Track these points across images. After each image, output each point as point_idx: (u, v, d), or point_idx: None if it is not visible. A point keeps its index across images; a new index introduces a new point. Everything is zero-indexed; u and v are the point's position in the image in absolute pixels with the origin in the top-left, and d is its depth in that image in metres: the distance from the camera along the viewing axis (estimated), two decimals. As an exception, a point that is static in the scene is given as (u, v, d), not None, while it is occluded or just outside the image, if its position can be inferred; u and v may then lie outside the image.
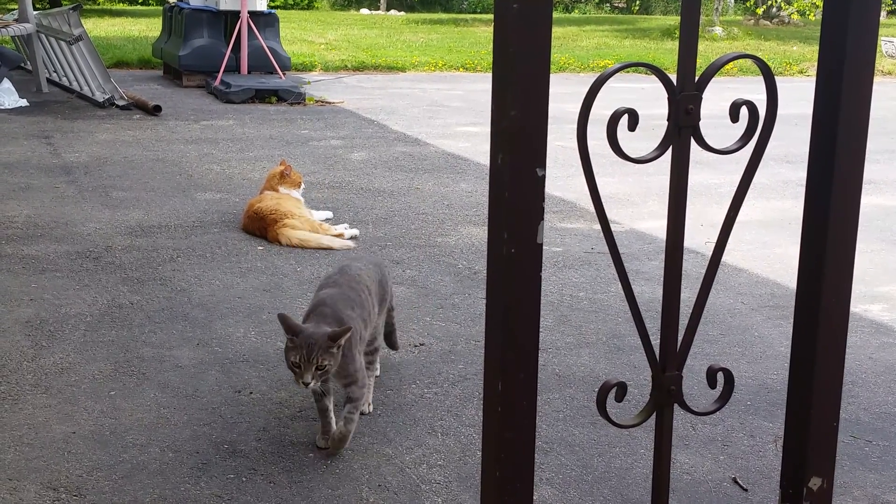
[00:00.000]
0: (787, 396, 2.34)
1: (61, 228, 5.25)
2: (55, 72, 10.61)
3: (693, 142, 2.03)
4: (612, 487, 2.80)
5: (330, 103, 10.39)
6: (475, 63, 14.82)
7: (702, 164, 6.92)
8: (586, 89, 1.91)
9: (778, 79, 2.07)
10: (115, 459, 2.83)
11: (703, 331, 3.88)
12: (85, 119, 8.77)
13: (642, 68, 2.07)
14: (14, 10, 11.95)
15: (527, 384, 1.92)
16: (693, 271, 4.48)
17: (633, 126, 1.94)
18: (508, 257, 1.85)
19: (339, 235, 5.19)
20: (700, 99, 2.00)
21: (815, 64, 2.18)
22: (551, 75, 1.82)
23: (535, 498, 2.02)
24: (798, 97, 7.52)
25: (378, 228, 5.47)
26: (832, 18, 2.12)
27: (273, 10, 11.65)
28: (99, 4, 25.69)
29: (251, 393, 3.33)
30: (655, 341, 2.11)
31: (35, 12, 10.21)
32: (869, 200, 6.31)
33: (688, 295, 2.12)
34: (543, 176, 1.84)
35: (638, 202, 6.36)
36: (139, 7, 25.47)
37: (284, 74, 11.11)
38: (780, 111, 2.08)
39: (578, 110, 1.91)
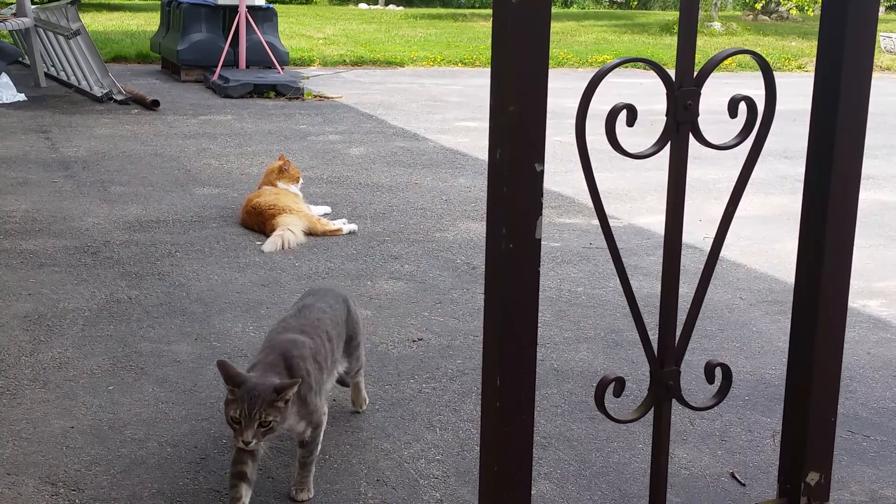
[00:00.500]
0: (785, 391, 2.34)
1: (59, 223, 5.25)
2: (53, 66, 10.60)
3: (691, 137, 2.03)
4: (610, 482, 2.80)
5: (328, 98, 10.38)
6: (474, 58, 14.81)
7: (700, 160, 6.92)
8: (585, 85, 1.91)
9: (776, 74, 2.07)
10: (114, 454, 2.83)
11: (701, 326, 3.89)
12: (83, 114, 8.76)
13: (641, 64, 2.07)
14: (12, 4, 11.94)
15: (525, 379, 1.92)
16: (691, 266, 4.48)
17: (631, 121, 1.94)
18: (507, 252, 1.85)
19: (338, 231, 5.19)
20: (699, 94, 2.00)
21: (814, 59, 2.18)
22: (550, 70, 1.82)
23: (533, 492, 2.02)
24: (797, 92, 7.52)
25: (376, 223, 5.47)
26: (831, 14, 2.12)
27: (271, 5, 11.63)
28: (97, -1, 25.64)
29: (249, 388, 3.32)
30: (654, 336, 2.11)
31: (33, 6, 10.20)
32: (867, 196, 6.31)
33: (686, 290, 2.12)
34: (542, 171, 1.84)
35: (636, 197, 6.36)
36: (137, 1, 25.43)
37: (283, 69, 11.10)
38: (778, 107, 2.08)
39: (577, 105, 1.91)
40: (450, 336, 3.85)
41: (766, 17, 24.59)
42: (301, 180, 5.59)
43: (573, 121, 1.92)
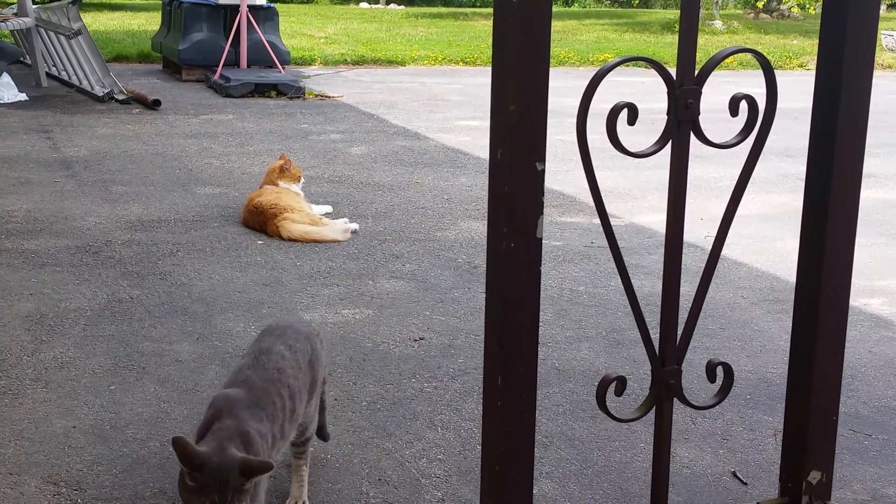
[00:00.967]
0: (786, 390, 2.34)
1: (61, 223, 5.25)
2: (54, 66, 10.60)
3: (693, 136, 2.03)
4: (611, 481, 2.80)
5: (329, 97, 10.38)
6: (475, 57, 14.81)
7: (701, 158, 6.92)
8: (586, 83, 1.91)
9: (777, 73, 2.07)
10: (116, 454, 2.83)
11: (703, 325, 3.89)
12: (84, 113, 8.77)
13: (642, 62, 2.07)
14: (13, 4, 11.94)
15: (526, 378, 1.93)
16: (692, 265, 4.48)
17: (632, 120, 1.94)
18: (508, 251, 1.85)
19: (334, 240, 5.19)
20: (700, 93, 2.00)
21: (815, 58, 2.18)
22: (550, 69, 1.82)
23: (534, 492, 2.02)
24: (798, 91, 7.51)
25: (378, 223, 5.47)
26: (832, 12, 2.12)
27: (272, 4, 11.63)
28: (98, -2, 25.64)
29: (251, 387, 3.33)
30: (655, 335, 2.11)
31: (34, 6, 10.20)
32: (869, 194, 6.30)
33: (687, 289, 2.12)
34: (543, 170, 1.84)
35: (637, 196, 6.36)
36: (138, 1, 25.43)
37: (284, 68, 11.10)
38: (779, 105, 2.08)
39: (578, 104, 1.91)
40: (451, 335, 3.85)
41: (768, 16, 24.58)
42: (302, 179, 5.58)
43: (574, 119, 1.92)
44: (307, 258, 4.79)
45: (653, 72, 2.00)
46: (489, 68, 1.85)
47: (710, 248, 2.12)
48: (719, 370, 2.17)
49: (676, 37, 2.01)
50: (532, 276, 1.88)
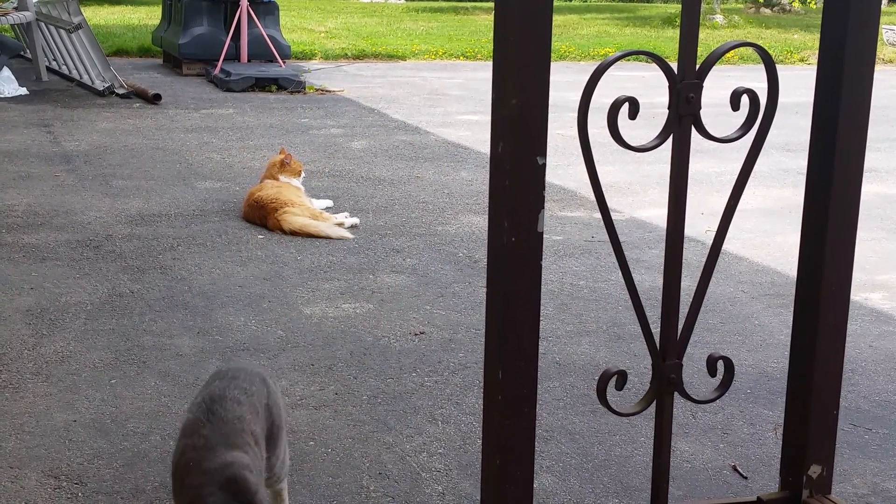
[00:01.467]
0: (787, 385, 2.34)
1: (61, 217, 5.25)
2: (55, 60, 10.59)
3: (694, 130, 2.03)
4: (612, 475, 2.80)
5: (330, 92, 10.37)
6: (476, 51, 14.79)
7: (702, 153, 6.92)
8: (587, 78, 1.91)
9: (779, 67, 2.07)
10: (116, 447, 2.84)
11: (703, 319, 3.89)
12: (85, 107, 8.76)
13: (643, 57, 2.07)
14: (13, -2, 11.93)
15: (527, 372, 1.93)
16: (693, 260, 4.48)
17: (633, 114, 1.94)
18: (509, 246, 1.85)
19: (340, 224, 5.19)
20: (701, 87, 1.99)
21: (816, 52, 2.18)
22: (551, 64, 1.82)
23: (535, 486, 2.03)
24: (799, 85, 7.51)
25: (378, 217, 5.47)
26: (833, 6, 2.12)
27: (273, -1, 11.62)
28: (98, -8, 25.60)
29: (252, 381, 3.33)
30: (656, 330, 2.11)
31: (34, 1, 10.18)
32: (870, 189, 6.30)
33: (688, 283, 2.12)
34: (544, 164, 1.84)
35: (638, 191, 6.35)
36: (139, -5, 25.37)
37: (284, 63, 11.09)
38: (780, 99, 2.08)
39: (579, 99, 1.91)
40: (452, 329, 3.85)
41: (769, 10, 24.55)
42: (303, 174, 5.58)
43: (575, 114, 1.92)
44: (308, 252, 4.79)
45: (654, 66, 2.00)
46: (490, 63, 1.85)
47: (710, 242, 2.11)
48: (720, 364, 2.17)
49: (677, 31, 2.00)
50: (533, 270, 1.88)
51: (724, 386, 2.19)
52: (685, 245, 2.12)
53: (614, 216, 2.10)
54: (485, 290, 1.96)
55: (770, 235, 5.37)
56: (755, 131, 2.07)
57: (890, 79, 13.30)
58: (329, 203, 5.62)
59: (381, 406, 3.18)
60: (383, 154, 7.24)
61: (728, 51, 1.99)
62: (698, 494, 2.72)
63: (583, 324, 3.97)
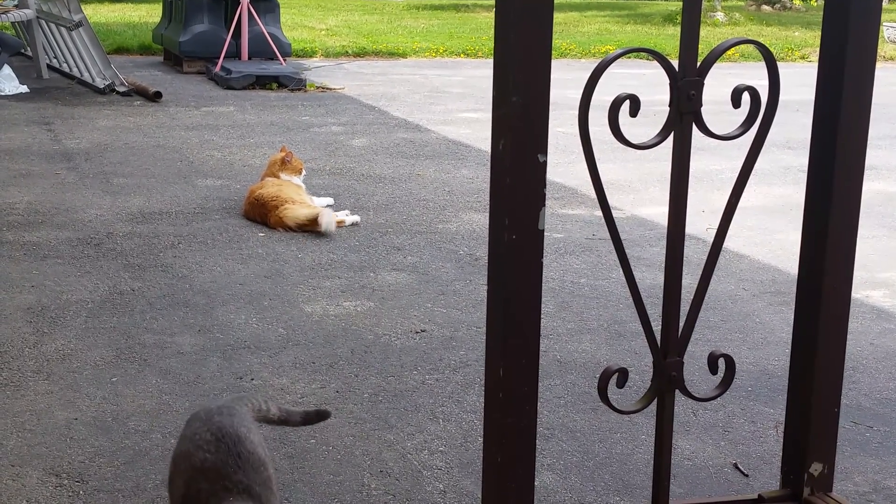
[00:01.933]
0: (788, 382, 2.34)
1: (62, 215, 5.25)
2: (55, 58, 10.59)
3: (695, 127, 2.02)
4: (613, 473, 2.80)
5: (331, 89, 10.37)
6: (476, 49, 14.78)
7: (703, 150, 6.91)
8: (588, 75, 1.91)
9: (780, 64, 2.07)
10: (118, 445, 2.84)
11: (704, 317, 3.88)
12: (85, 105, 8.76)
13: (644, 54, 2.06)
14: (14, -4, 11.92)
15: (528, 370, 1.93)
16: (694, 257, 4.47)
17: (634, 112, 1.94)
18: (510, 243, 1.85)
19: (341, 223, 5.19)
20: (702, 85, 1.99)
21: (817, 49, 2.17)
22: (552, 61, 1.82)
23: (536, 483, 2.03)
24: (800, 83, 7.51)
25: (379, 215, 5.47)
26: (834, 3, 2.12)
27: (273, -4, 11.61)
28: (99, -10, 25.58)
29: (252, 379, 3.33)
30: (657, 327, 2.11)
31: (35, -2, 10.19)
32: (871, 186, 6.29)
33: (689, 281, 2.12)
34: (545, 162, 1.84)
35: (639, 188, 6.35)
36: (139, -7, 25.36)
37: (285, 60, 11.08)
38: (781, 97, 2.08)
39: (580, 96, 1.91)
40: (453, 327, 3.85)
41: (770, 7, 24.53)
42: (304, 172, 5.58)
43: (576, 111, 1.92)
44: (309, 250, 4.79)
45: (655, 63, 2.00)
46: (491, 60, 1.85)
47: (711, 240, 2.11)
48: (721, 362, 2.17)
49: (678, 28, 2.00)
50: (534, 268, 1.88)
51: (725, 384, 2.18)
52: (686, 243, 2.11)
53: (615, 214, 2.09)
54: (486, 287, 1.96)
55: (771, 233, 5.37)
56: (756, 129, 2.07)
57: (891, 76, 13.29)
58: (330, 201, 5.61)
59: (382, 404, 3.18)
60: (384, 152, 7.24)
61: (729, 48, 1.99)
62: (699, 492, 2.71)
63: (584, 321, 3.97)
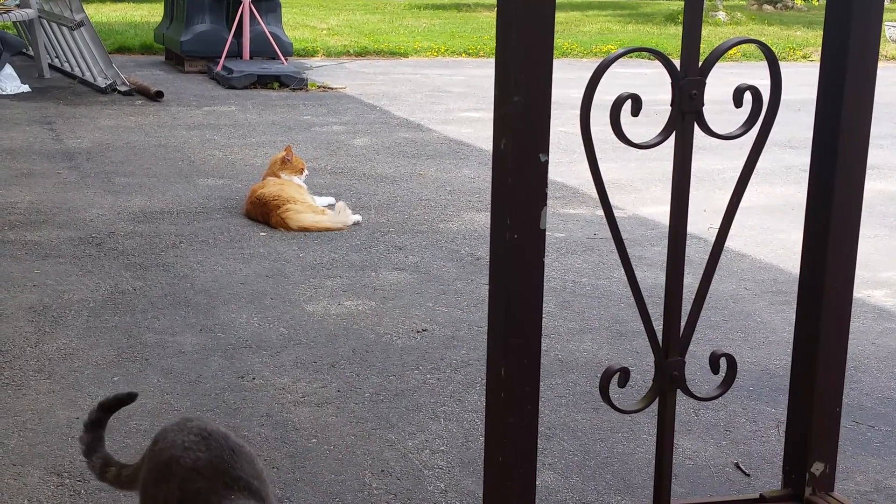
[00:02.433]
0: (789, 382, 2.34)
1: (64, 214, 5.25)
2: (57, 57, 10.59)
3: (696, 127, 2.02)
4: (614, 472, 2.80)
5: (332, 89, 10.37)
6: (478, 48, 14.78)
7: (705, 150, 6.91)
8: (589, 75, 1.90)
9: (781, 64, 2.07)
10: (119, 445, 2.84)
11: (706, 316, 3.88)
12: (87, 105, 8.76)
13: (646, 54, 2.06)
14: (16, -5, 11.92)
15: (530, 369, 1.93)
16: (696, 257, 4.47)
17: (636, 111, 1.94)
18: (511, 243, 1.85)
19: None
20: (704, 84, 1.99)
21: (819, 49, 2.17)
22: (554, 61, 1.82)
23: (537, 483, 2.03)
24: (801, 82, 7.50)
25: (380, 214, 5.47)
26: (836, 3, 2.11)
27: (275, -5, 11.60)
28: (100, -10, 25.58)
29: (254, 378, 3.33)
30: (658, 327, 2.11)
31: (36, -2, 10.19)
32: (872, 186, 6.29)
33: (690, 281, 2.12)
34: (546, 161, 1.84)
35: (641, 188, 6.35)
36: (141, -8, 25.36)
37: (286, 60, 11.08)
38: (783, 96, 2.08)
39: (581, 96, 1.91)
40: (454, 327, 3.85)
41: (771, 7, 24.52)
42: (306, 171, 5.58)
43: (578, 111, 1.92)
44: (310, 249, 4.79)
45: (657, 63, 2.00)
46: (492, 60, 1.85)
47: (713, 239, 2.11)
48: (722, 362, 2.17)
49: (680, 28, 2.00)
50: (535, 267, 1.88)
51: (727, 383, 2.18)
52: (687, 242, 2.11)
53: (617, 213, 2.09)
54: (487, 287, 1.96)
55: (773, 232, 5.36)
56: (758, 128, 2.07)
57: (893, 76, 13.28)
58: (331, 200, 5.61)
59: (383, 403, 3.18)
60: (385, 151, 7.24)
61: (731, 48, 1.99)
62: (701, 492, 2.71)
63: (585, 321, 3.97)
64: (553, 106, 1.84)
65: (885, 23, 16.78)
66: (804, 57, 15.53)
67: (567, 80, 7.91)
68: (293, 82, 10.16)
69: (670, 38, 16.39)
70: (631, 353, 3.63)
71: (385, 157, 7.04)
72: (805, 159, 2.46)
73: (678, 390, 2.14)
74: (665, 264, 2.11)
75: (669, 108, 1.99)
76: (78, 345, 3.55)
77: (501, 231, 1.85)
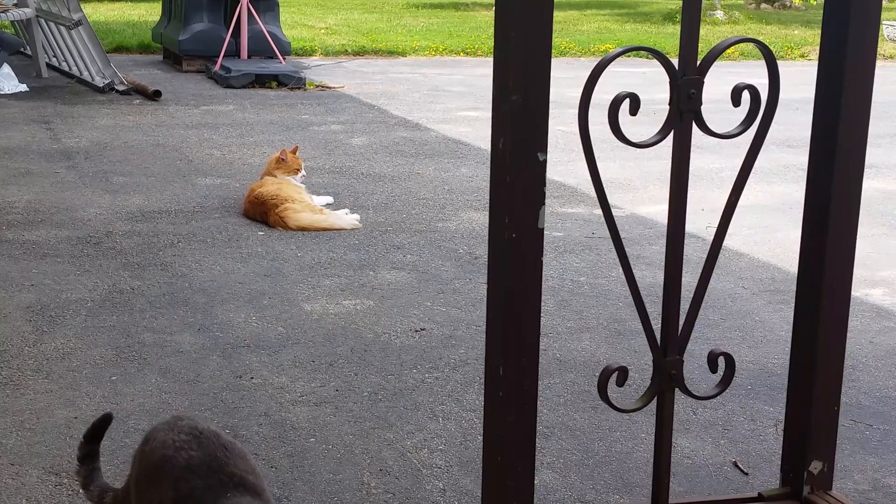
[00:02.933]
0: (788, 381, 2.34)
1: (62, 214, 5.25)
2: (55, 57, 10.58)
3: (695, 126, 2.02)
4: (612, 471, 2.80)
5: (330, 88, 10.36)
6: (476, 47, 14.77)
7: (703, 149, 6.90)
8: (587, 74, 1.90)
9: (779, 63, 2.07)
10: (117, 444, 2.83)
11: (704, 315, 3.88)
12: (85, 104, 8.76)
13: (644, 53, 2.06)
14: (13, -6, 11.90)
15: (528, 369, 1.92)
16: (694, 256, 4.47)
17: (634, 111, 1.94)
18: (510, 242, 1.85)
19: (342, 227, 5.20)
20: (702, 83, 1.99)
21: (817, 48, 2.17)
22: (552, 60, 1.81)
23: (535, 482, 2.02)
24: (800, 81, 7.49)
25: (379, 213, 5.47)
26: (834, 2, 2.11)
27: (273, -5, 11.58)
28: (98, -11, 25.56)
29: (252, 378, 3.33)
30: (656, 326, 2.11)
31: (34, -3, 10.17)
32: (870, 185, 6.27)
33: (689, 279, 2.12)
34: (544, 160, 1.84)
35: (639, 187, 6.35)
36: (139, -9, 25.34)
37: (284, 59, 11.07)
38: (781, 95, 2.08)
39: (580, 95, 1.91)
40: (452, 326, 3.85)
41: (769, 6, 24.52)
42: (303, 172, 5.56)
43: (576, 110, 1.92)
44: (308, 249, 4.79)
45: (655, 62, 2.00)
46: (490, 59, 1.85)
47: (711, 238, 2.11)
48: (721, 360, 2.17)
49: (678, 27, 2.00)
50: (533, 266, 1.88)
51: (725, 382, 2.18)
52: (686, 241, 2.11)
53: (615, 212, 2.09)
54: (485, 286, 1.96)
55: (771, 231, 5.37)
56: (756, 127, 2.07)
57: (891, 75, 13.29)
58: (329, 199, 5.61)
59: (381, 403, 3.18)
60: (383, 150, 7.23)
61: (729, 47, 1.99)
62: (699, 491, 2.72)
63: (583, 320, 3.97)
64: (551, 105, 1.84)
65: (883, 22, 16.79)
66: (802, 56, 15.53)
67: (565, 80, 7.90)
68: (291, 81, 10.15)
69: (668, 38, 16.39)
70: (629, 352, 3.63)
71: (383, 156, 7.04)
72: (803, 158, 2.46)
73: (676, 389, 2.14)
74: (663, 263, 2.11)
75: (667, 107, 1.99)
76: (76, 344, 3.55)
77: (500, 230, 1.85)
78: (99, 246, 4.71)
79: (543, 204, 1.84)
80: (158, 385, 3.24)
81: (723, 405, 3.21)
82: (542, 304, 1.93)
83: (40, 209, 5.31)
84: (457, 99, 10.01)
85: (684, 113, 1.99)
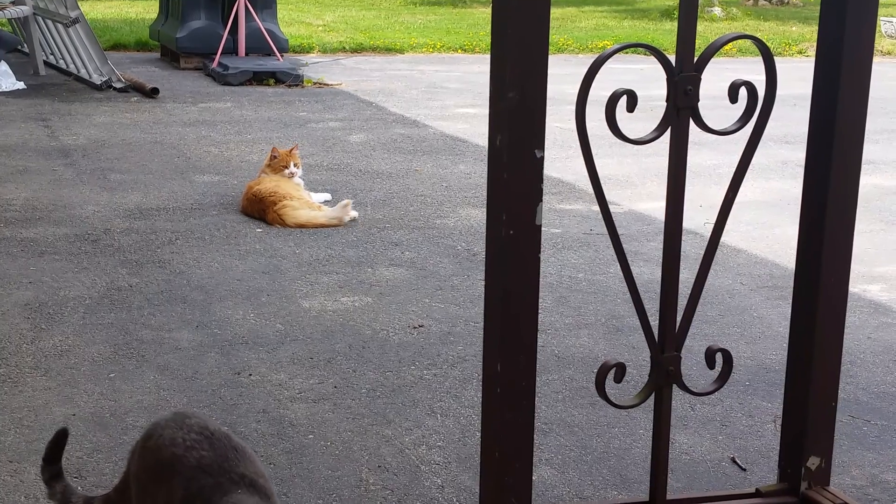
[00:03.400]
0: (785, 376, 2.35)
1: (59, 211, 5.24)
2: (52, 54, 10.57)
3: (692, 122, 2.03)
4: (610, 468, 2.81)
5: (328, 85, 10.36)
6: (474, 44, 14.77)
7: (700, 145, 6.91)
8: (585, 70, 1.91)
9: (777, 59, 2.07)
10: (116, 441, 2.84)
11: (702, 311, 3.88)
12: (82, 102, 8.75)
13: (641, 49, 2.07)
14: (10, -8, 11.88)
15: (526, 365, 1.93)
16: (692, 252, 4.47)
17: (631, 107, 1.94)
18: (507, 239, 1.85)
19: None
20: (699, 80, 1.99)
21: (815, 44, 2.18)
22: (549, 56, 1.82)
23: (534, 478, 2.03)
24: (797, 77, 7.49)
25: (377, 210, 5.47)
26: (831, -2, 2.12)
27: (270, -8, 11.57)
28: (95, -14, 25.52)
29: (250, 375, 3.33)
30: (654, 322, 2.11)
31: (31, -6, 10.16)
32: (868, 181, 6.30)
33: (686, 276, 2.12)
34: (542, 157, 1.84)
35: (637, 183, 6.35)
36: (136, -11, 25.31)
37: (282, 56, 11.06)
38: (778, 91, 2.08)
39: (577, 91, 1.91)
40: (450, 322, 3.86)
41: (767, 2, 24.52)
42: (296, 170, 5.53)
43: (573, 107, 1.92)
44: (306, 246, 4.79)
45: (652, 59, 2.00)
46: (488, 56, 1.85)
47: (709, 234, 2.12)
48: (718, 356, 2.17)
49: (675, 24, 2.00)
50: (531, 263, 1.88)
51: (723, 378, 2.19)
52: (683, 237, 2.12)
53: (612, 209, 2.10)
54: (483, 283, 1.96)
55: (768, 227, 5.37)
56: (753, 123, 2.07)
57: (888, 70, 13.29)
58: (327, 196, 5.61)
59: (380, 399, 3.18)
60: (381, 147, 7.23)
61: (726, 43, 1.99)
62: (697, 486, 2.72)
63: (581, 316, 3.97)
64: (549, 102, 1.84)
65: (880, 18, 16.79)
66: (800, 52, 15.53)
67: (563, 76, 7.90)
68: (289, 79, 10.14)
69: (666, 34, 16.38)
70: (627, 348, 3.63)
71: (381, 153, 7.04)
72: (801, 154, 2.46)
73: (674, 385, 2.14)
74: (661, 260, 2.11)
75: (665, 103, 2.00)
76: (74, 341, 3.55)
77: (497, 227, 1.85)
78: (97, 243, 4.71)
79: (541, 201, 1.84)
80: (156, 382, 3.24)
81: (720, 401, 3.22)
82: (540, 300, 1.93)
83: (38, 207, 5.31)
84: (454, 96, 10.01)
85: (681, 109, 1.99)
